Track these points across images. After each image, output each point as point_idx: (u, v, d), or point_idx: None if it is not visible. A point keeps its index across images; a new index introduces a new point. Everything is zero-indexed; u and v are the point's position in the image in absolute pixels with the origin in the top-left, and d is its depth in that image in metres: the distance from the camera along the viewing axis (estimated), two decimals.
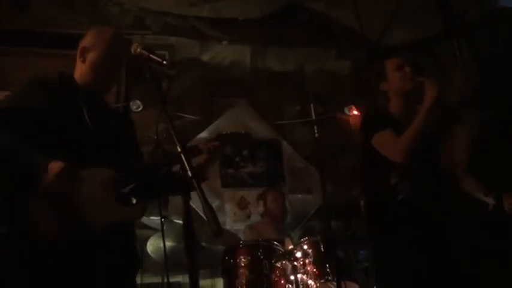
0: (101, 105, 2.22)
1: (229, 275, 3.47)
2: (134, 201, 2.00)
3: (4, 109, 1.96)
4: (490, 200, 2.78)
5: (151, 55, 1.84)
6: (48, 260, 1.82)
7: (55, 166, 1.83)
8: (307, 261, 3.42)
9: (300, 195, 5.26)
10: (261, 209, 4.62)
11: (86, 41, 2.18)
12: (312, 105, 3.83)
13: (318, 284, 3.33)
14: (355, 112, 5.49)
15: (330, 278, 3.35)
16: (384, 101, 2.87)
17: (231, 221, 4.98)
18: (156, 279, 4.33)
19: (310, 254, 3.44)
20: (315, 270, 3.40)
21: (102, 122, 2.13)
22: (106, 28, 2.25)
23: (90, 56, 2.15)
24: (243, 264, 3.40)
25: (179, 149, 1.56)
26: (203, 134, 5.12)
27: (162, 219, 3.32)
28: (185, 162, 1.53)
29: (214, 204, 4.78)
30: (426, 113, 2.55)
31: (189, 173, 1.51)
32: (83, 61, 2.16)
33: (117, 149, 2.10)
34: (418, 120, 2.56)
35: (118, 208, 1.95)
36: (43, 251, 1.82)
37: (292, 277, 3.36)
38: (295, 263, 3.39)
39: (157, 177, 2.15)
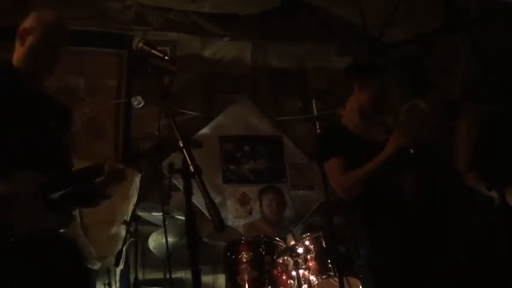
0: (38, 97, 2.14)
1: (231, 271, 3.48)
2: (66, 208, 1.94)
3: None
4: (493, 194, 2.78)
5: (152, 50, 1.83)
6: None
7: None
8: (309, 257, 3.43)
9: (301, 191, 5.25)
10: (258, 208, 4.64)
11: (26, 24, 2.13)
12: (313, 101, 3.82)
13: (319, 280, 3.34)
14: None
15: (331, 273, 3.36)
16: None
17: (233, 217, 4.97)
18: (158, 275, 4.33)
19: (312, 249, 3.45)
20: (316, 266, 3.41)
21: (40, 118, 2.06)
22: (47, 12, 2.19)
23: (29, 40, 2.09)
24: (245, 260, 3.40)
25: (181, 145, 1.56)
26: (204, 130, 5.12)
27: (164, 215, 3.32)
28: (187, 158, 1.52)
29: (216, 200, 4.76)
30: (383, 160, 2.46)
31: (191, 168, 1.50)
32: (22, 44, 2.10)
33: (55, 149, 2.05)
34: (373, 164, 2.48)
35: (45, 215, 1.88)
36: None
37: (294, 273, 3.37)
38: (297, 258, 3.40)
39: (88, 183, 2.05)
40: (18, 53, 2.11)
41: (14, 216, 1.82)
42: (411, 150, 2.42)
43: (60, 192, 1.93)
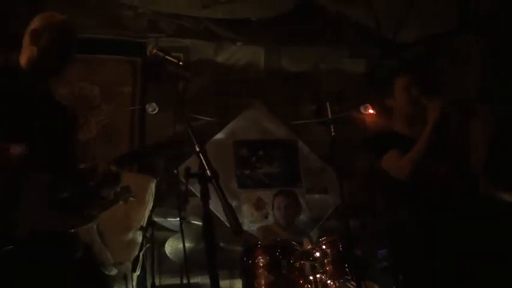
0: (44, 98, 2.15)
1: (248, 275, 3.46)
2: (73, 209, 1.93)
3: None
4: (509, 197, 2.76)
5: (167, 56, 1.84)
6: None
7: (17, 148, 1.82)
8: (325, 261, 3.41)
9: (317, 195, 5.23)
10: (271, 212, 4.63)
11: (36, 24, 2.15)
12: (327, 104, 3.82)
13: (337, 284, 3.32)
14: (371, 111, 5.45)
15: (348, 277, 3.34)
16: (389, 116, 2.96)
17: (248, 221, 4.97)
18: (175, 281, 4.33)
19: (329, 253, 3.43)
20: (333, 270, 3.38)
21: (42, 115, 2.06)
22: (55, 13, 2.22)
23: (42, 40, 2.10)
24: (261, 265, 3.39)
25: (197, 149, 1.56)
26: (219, 135, 5.13)
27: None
28: (204, 162, 1.52)
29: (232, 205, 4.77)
30: (429, 134, 2.63)
31: (208, 173, 1.50)
32: (33, 44, 2.11)
33: (59, 150, 2.05)
34: (421, 142, 2.64)
35: (50, 216, 1.89)
36: None
37: (311, 277, 3.35)
38: (314, 263, 3.38)
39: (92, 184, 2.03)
40: (30, 53, 2.12)
41: (18, 216, 1.83)
42: None
43: (66, 194, 1.93)
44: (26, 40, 2.14)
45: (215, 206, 1.59)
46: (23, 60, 2.13)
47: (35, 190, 1.87)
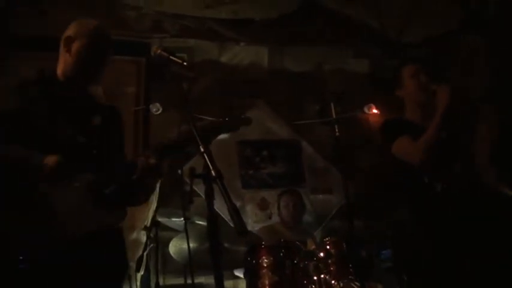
0: (83, 102, 2.17)
1: (252, 275, 3.46)
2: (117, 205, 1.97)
3: None
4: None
5: (171, 57, 1.84)
6: (27, 271, 1.79)
7: (51, 158, 1.85)
8: (329, 261, 3.40)
9: (321, 196, 5.23)
10: (276, 211, 4.63)
11: (70, 31, 2.15)
12: (331, 104, 3.81)
13: (341, 284, 3.31)
14: (375, 111, 5.44)
15: (352, 278, 3.33)
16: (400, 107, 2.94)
17: (252, 221, 4.97)
18: (179, 281, 4.34)
19: (333, 254, 3.42)
20: (337, 270, 3.38)
21: (83, 122, 2.09)
22: (90, 20, 2.21)
23: (75, 46, 2.11)
24: (265, 265, 3.38)
25: (202, 150, 1.56)
26: (222, 136, 5.12)
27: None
28: (209, 162, 1.52)
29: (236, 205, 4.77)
30: (439, 120, 2.61)
31: (213, 173, 1.51)
32: (68, 51, 2.11)
33: (98, 149, 2.06)
34: (432, 127, 2.62)
35: (96, 214, 1.92)
36: (22, 261, 1.79)
37: (315, 277, 3.35)
38: (318, 263, 3.38)
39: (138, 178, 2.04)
40: (65, 61, 2.13)
41: (64, 217, 1.86)
42: None
43: (111, 188, 1.96)
44: (61, 48, 2.15)
45: (219, 206, 1.60)
46: (59, 69, 2.15)
47: (79, 190, 1.90)
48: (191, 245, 3.79)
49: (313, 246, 3.76)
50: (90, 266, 1.89)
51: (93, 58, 2.12)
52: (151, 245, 3.89)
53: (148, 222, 4.04)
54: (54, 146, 1.93)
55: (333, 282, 3.33)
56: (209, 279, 4.35)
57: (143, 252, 3.73)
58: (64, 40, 2.13)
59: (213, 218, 1.54)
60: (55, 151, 1.90)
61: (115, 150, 2.17)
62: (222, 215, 3.25)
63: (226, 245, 3.85)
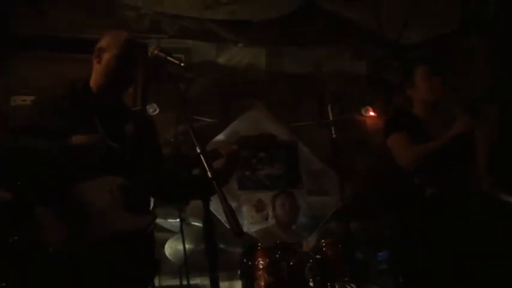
0: (116, 110, 2.22)
1: (248, 277, 3.46)
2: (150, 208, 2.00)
3: (20, 127, 2.02)
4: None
5: (168, 57, 1.85)
6: (56, 270, 1.82)
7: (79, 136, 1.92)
8: (325, 263, 3.40)
9: (317, 197, 5.24)
10: (272, 213, 4.63)
11: (102, 43, 2.21)
12: (329, 106, 3.82)
13: (336, 286, 3.31)
14: (372, 113, 5.45)
15: (348, 279, 3.33)
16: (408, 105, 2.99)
17: (249, 223, 4.97)
18: (174, 282, 4.33)
19: (329, 255, 3.42)
20: (333, 272, 3.38)
21: (116, 130, 2.13)
22: (121, 31, 2.28)
23: (106, 57, 2.17)
24: (261, 267, 3.38)
25: (199, 151, 1.56)
26: (220, 137, 5.13)
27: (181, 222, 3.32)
28: (205, 164, 1.52)
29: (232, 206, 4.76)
30: (448, 140, 2.67)
31: (209, 174, 1.50)
32: (99, 61, 2.18)
33: (132, 156, 2.10)
34: (437, 142, 2.68)
35: (126, 217, 1.94)
36: (51, 260, 1.82)
37: (310, 279, 3.34)
38: (314, 265, 3.37)
39: (177, 182, 2.13)
40: (96, 71, 2.20)
41: (94, 219, 1.89)
42: None
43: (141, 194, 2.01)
44: (93, 59, 2.21)
45: (215, 208, 1.59)
46: (92, 80, 2.20)
47: (110, 192, 1.93)
48: (187, 246, 3.79)
49: (309, 248, 3.76)
50: (117, 267, 1.91)
51: (122, 68, 2.17)
52: None
53: None
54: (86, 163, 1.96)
55: (328, 284, 3.33)
56: (205, 281, 4.34)
57: None
58: (96, 51, 2.20)
59: (209, 219, 1.54)
60: (86, 167, 1.94)
61: (149, 157, 2.21)
62: (218, 216, 3.25)
63: (222, 246, 3.84)
